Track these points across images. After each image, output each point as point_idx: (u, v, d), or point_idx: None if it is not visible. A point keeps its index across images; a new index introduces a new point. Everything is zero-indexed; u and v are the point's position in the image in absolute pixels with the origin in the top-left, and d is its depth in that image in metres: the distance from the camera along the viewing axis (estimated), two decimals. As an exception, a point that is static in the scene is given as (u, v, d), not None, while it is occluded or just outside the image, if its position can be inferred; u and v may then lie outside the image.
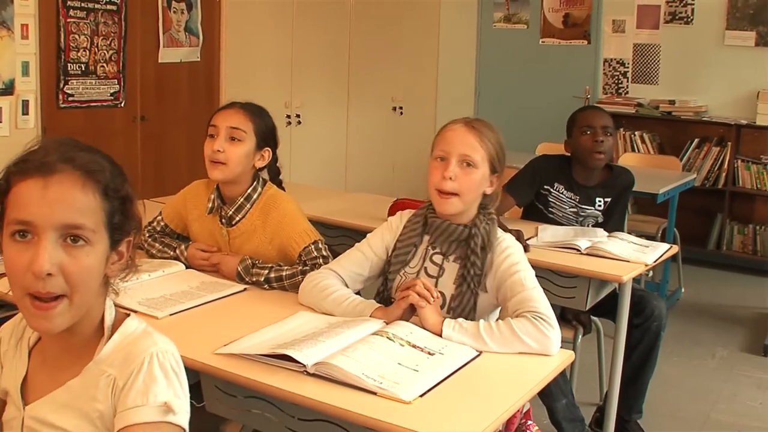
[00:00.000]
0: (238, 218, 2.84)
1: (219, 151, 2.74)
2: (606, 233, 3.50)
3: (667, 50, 7.04)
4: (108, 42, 5.28)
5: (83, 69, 5.18)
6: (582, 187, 3.77)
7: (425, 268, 2.50)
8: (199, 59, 5.92)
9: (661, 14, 7.02)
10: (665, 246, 3.43)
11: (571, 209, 3.77)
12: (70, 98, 5.14)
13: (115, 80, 5.38)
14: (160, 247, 2.95)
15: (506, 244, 2.44)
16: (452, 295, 2.44)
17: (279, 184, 3.01)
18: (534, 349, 2.16)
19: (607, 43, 7.33)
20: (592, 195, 3.77)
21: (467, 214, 2.46)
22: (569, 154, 3.83)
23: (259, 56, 6.36)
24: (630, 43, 7.20)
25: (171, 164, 5.78)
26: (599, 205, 3.76)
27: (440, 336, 2.19)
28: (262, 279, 2.67)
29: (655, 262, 3.25)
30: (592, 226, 3.73)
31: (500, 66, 7.88)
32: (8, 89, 4.78)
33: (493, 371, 2.07)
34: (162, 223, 3.04)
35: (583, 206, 3.76)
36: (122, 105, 5.45)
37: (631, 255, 3.24)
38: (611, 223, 3.74)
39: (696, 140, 6.72)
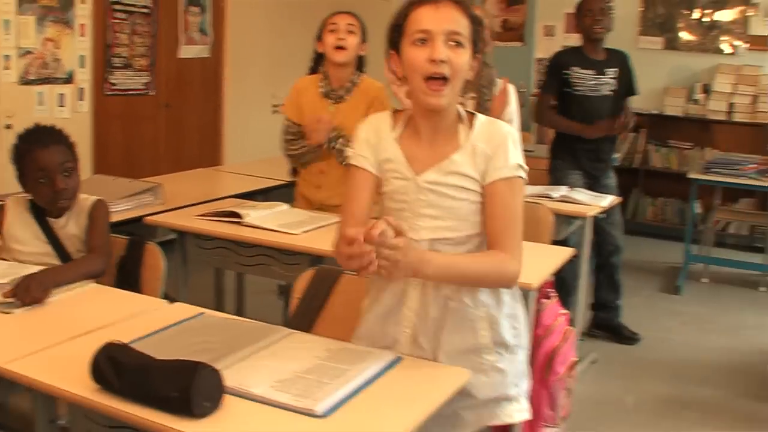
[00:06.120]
0: (346, 97, 3.69)
1: (342, 39, 3.62)
2: (568, 188, 4.66)
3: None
4: (142, 40, 6.25)
5: (123, 62, 6.14)
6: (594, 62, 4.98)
7: None
8: (209, 55, 6.92)
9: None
10: (612, 197, 4.61)
11: (591, 82, 4.95)
12: (113, 87, 6.08)
13: (147, 72, 6.34)
14: (295, 147, 3.75)
15: None
16: None
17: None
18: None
19: (539, 44, 8.50)
20: (602, 67, 4.98)
21: None
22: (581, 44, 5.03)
23: (256, 54, 7.31)
24: (559, 45, 8.26)
25: (188, 143, 6.76)
26: (611, 75, 4.97)
27: None
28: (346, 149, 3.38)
29: (608, 206, 4.46)
30: (610, 91, 4.95)
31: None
32: (69, 78, 5.69)
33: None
34: (287, 122, 3.78)
35: (599, 77, 4.96)
36: (152, 93, 6.43)
37: (591, 201, 4.42)
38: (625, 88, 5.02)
39: (615, 128, 7.87)
